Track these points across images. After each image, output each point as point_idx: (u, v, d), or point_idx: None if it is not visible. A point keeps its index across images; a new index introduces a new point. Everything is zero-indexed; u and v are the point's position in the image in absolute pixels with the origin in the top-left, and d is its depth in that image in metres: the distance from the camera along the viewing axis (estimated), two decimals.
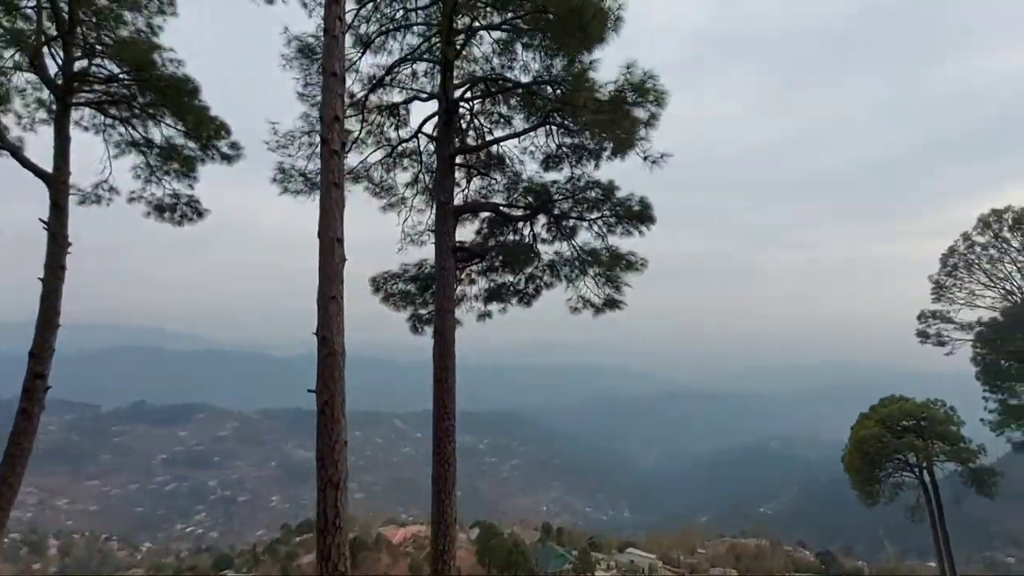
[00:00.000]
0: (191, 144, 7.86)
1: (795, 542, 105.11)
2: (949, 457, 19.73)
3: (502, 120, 7.76)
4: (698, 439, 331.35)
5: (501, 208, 7.81)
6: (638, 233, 8.18)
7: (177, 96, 7.09)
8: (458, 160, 8.69)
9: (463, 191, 8.62)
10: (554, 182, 7.88)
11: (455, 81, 7.19)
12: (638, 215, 8.08)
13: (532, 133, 7.67)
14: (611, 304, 8.17)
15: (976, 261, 15.03)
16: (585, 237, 8.04)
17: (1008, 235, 14.63)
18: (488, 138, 7.74)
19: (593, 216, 8.04)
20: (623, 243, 8.17)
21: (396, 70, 7.51)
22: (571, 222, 7.97)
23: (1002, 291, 15.06)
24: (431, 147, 7.77)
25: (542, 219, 7.97)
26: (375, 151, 7.85)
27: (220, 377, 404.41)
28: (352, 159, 7.87)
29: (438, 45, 7.25)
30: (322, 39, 5.72)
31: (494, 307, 8.20)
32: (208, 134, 7.55)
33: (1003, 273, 14.91)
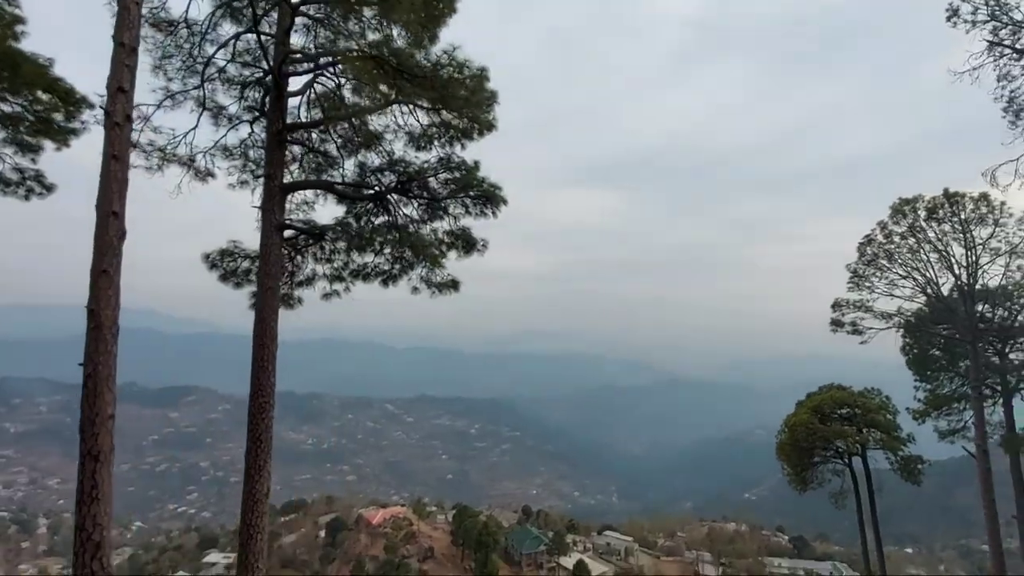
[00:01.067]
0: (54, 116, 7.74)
1: (774, 527, 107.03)
2: (883, 445, 20.03)
3: (335, 97, 7.69)
4: (687, 428, 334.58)
5: (336, 187, 7.76)
6: (491, 215, 8.23)
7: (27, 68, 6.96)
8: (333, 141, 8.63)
9: (341, 170, 8.57)
10: (400, 161, 7.86)
11: (289, 55, 7.13)
12: (490, 197, 8.12)
13: (388, 110, 7.64)
14: (452, 285, 8.22)
15: (895, 251, 15.04)
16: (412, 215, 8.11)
17: (924, 224, 14.63)
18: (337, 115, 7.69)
19: (444, 196, 8.07)
20: (476, 224, 8.25)
21: (225, 44, 7.40)
22: (422, 203, 7.99)
23: (919, 280, 15.09)
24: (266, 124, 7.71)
25: (395, 198, 7.97)
26: (211, 126, 7.78)
27: (214, 360, 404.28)
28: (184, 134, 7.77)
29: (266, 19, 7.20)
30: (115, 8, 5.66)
31: (342, 287, 8.17)
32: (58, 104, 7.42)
33: (920, 263, 14.92)
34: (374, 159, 7.96)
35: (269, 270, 6.92)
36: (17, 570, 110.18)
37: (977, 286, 14.81)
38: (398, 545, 60.79)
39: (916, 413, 19.07)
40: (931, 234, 14.56)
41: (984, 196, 14.00)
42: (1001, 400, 17.71)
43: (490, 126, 8.31)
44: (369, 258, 7.91)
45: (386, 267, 8.23)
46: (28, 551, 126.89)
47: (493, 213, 8.15)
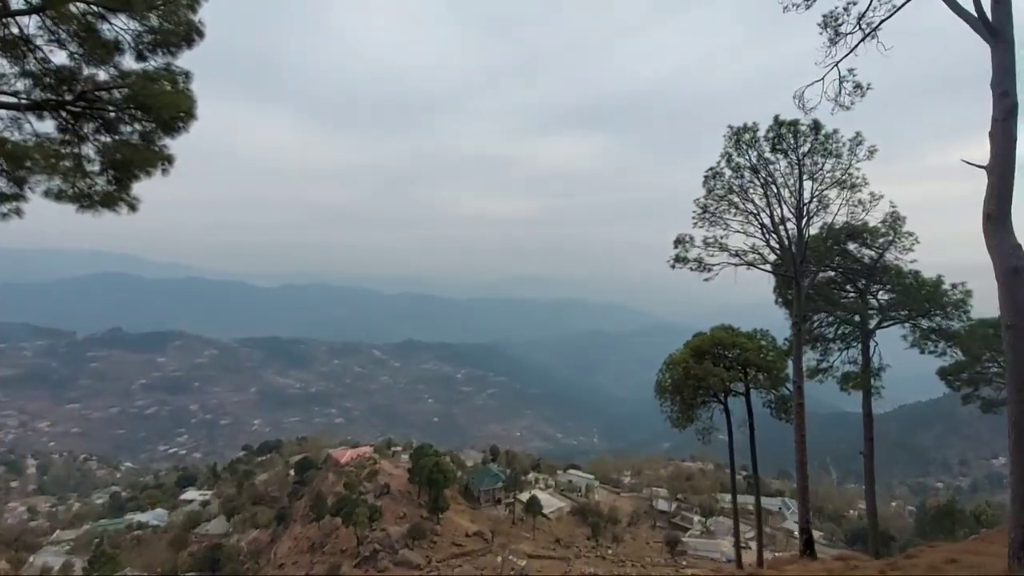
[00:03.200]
0: None
1: (740, 466, 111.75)
2: (758, 385, 20.24)
3: None
4: None
5: None
6: (170, 137, 7.54)
7: None
8: None
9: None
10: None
11: None
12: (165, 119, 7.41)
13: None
14: (109, 202, 7.59)
15: (738, 183, 14.26)
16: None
17: (769, 156, 13.79)
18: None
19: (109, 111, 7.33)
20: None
21: None
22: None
23: (757, 214, 14.40)
24: None
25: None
26: None
27: (199, 306, 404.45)
28: None
29: None
30: None
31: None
32: None
33: (761, 198, 14.17)
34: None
35: None
36: (7, 508, 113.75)
37: (817, 221, 14.39)
38: (359, 483, 62.77)
39: (781, 353, 19.12)
40: (781, 164, 13.82)
41: (816, 125, 13.18)
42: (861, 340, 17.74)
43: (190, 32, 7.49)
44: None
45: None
46: (18, 490, 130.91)
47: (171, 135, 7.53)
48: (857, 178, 13.72)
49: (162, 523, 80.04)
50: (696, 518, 74.60)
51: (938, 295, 17.05)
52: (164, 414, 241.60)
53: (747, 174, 13.83)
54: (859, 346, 18.07)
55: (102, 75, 7.40)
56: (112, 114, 7.25)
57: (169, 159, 8.25)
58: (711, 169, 14.22)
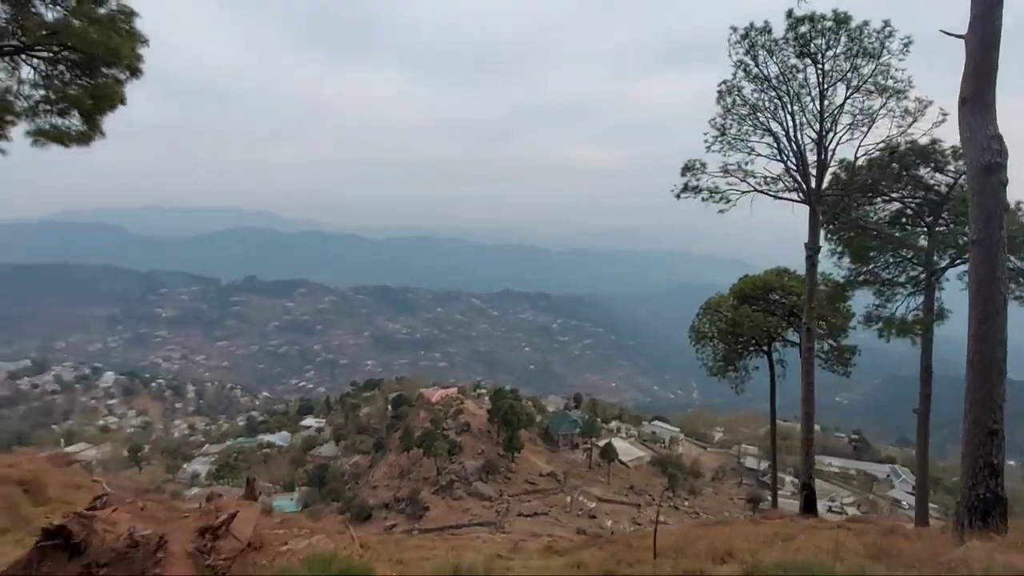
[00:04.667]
0: None
1: (850, 431, 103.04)
2: (818, 334, 17.94)
3: None
4: None
5: None
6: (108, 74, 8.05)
7: None
8: None
9: None
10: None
11: None
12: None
13: None
14: (80, 137, 8.22)
15: (761, 97, 11.98)
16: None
17: (796, 62, 11.30)
18: None
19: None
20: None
21: None
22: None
23: (786, 132, 12.01)
24: None
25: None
26: None
27: (319, 256, 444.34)
28: None
29: None
30: None
31: None
32: None
33: (787, 112, 11.75)
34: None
35: None
36: (173, 424, 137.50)
37: (848, 139, 11.73)
38: (443, 420, 67.10)
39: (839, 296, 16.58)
40: (804, 75, 11.37)
41: (840, 16, 10.44)
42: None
43: None
44: None
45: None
46: (181, 410, 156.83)
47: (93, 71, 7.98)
48: (900, 80, 11.20)
49: (285, 444, 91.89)
50: (789, 479, 70.93)
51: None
52: (294, 352, 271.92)
53: (770, 87, 11.82)
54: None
55: (49, 17, 8.06)
56: (55, 56, 7.95)
57: (122, 96, 8.87)
58: (725, 83, 12.36)
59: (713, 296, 19.62)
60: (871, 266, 15.48)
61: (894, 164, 13.44)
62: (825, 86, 11.68)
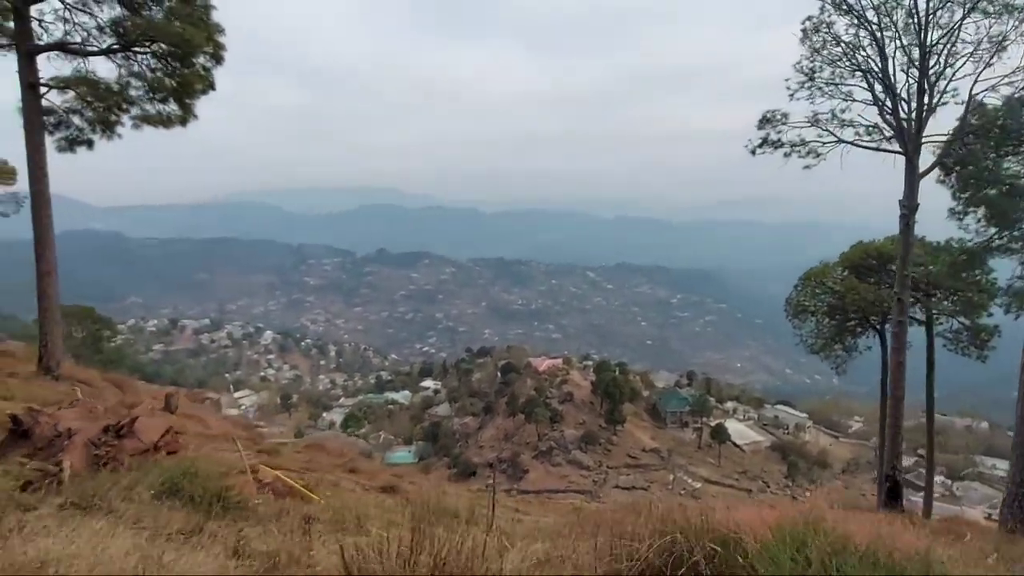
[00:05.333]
0: None
1: (1007, 427, 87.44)
2: (948, 310, 15.09)
3: None
4: None
5: (69, 47, 9.08)
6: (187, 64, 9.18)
7: None
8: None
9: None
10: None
11: None
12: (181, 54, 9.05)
13: None
14: (178, 120, 9.41)
15: (854, 34, 9.73)
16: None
17: None
18: None
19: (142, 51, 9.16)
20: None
21: None
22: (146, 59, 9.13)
23: (869, 72, 9.61)
24: None
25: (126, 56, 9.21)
26: None
27: (441, 230, 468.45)
28: None
29: None
30: None
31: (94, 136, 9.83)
32: None
33: (879, 46, 9.32)
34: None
35: (30, 128, 9.05)
36: (317, 378, 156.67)
37: (961, 76, 9.08)
38: (547, 388, 68.41)
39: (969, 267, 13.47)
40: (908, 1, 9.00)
41: None
42: None
43: None
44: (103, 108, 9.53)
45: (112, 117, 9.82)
46: (324, 367, 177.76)
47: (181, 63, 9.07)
48: None
49: (407, 402, 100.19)
50: (940, 479, 62.11)
51: None
52: (418, 320, 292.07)
53: (864, 20, 9.93)
54: None
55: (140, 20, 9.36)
56: (152, 50, 9.21)
57: (211, 82, 10.08)
58: (810, 19, 10.61)
59: (815, 266, 17.42)
60: (1015, 231, 12.65)
61: None
62: (930, 8, 9.59)
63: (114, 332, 34.84)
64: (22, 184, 16.52)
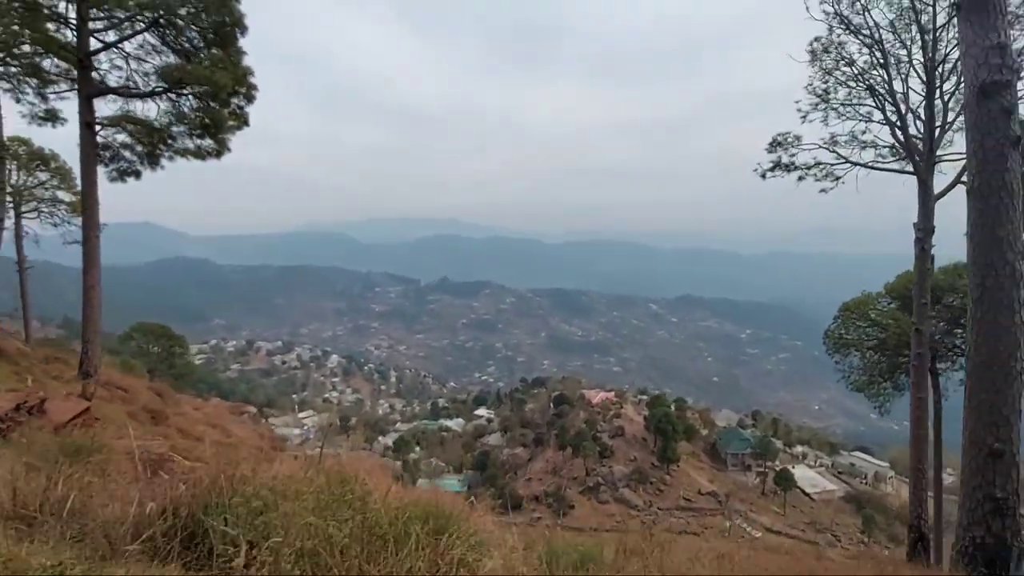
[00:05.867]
0: None
1: None
2: None
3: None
4: None
5: (120, 90, 10.26)
6: (222, 103, 10.17)
7: None
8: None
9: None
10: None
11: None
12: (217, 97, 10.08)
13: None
14: (213, 153, 10.37)
15: (872, 54, 8.93)
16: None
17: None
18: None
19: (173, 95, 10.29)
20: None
21: None
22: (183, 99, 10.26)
23: (878, 89, 8.71)
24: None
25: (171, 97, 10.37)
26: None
27: (501, 260, 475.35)
28: None
29: None
30: None
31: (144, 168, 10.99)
32: None
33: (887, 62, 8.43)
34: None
35: (87, 168, 10.35)
36: (377, 402, 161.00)
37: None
38: (598, 422, 66.64)
39: None
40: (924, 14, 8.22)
41: None
42: None
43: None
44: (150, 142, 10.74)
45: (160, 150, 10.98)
46: (384, 392, 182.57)
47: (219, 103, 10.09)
48: None
49: (460, 429, 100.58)
50: None
51: None
52: (478, 348, 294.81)
53: (871, 39, 9.42)
54: None
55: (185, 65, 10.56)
56: (191, 92, 10.33)
57: (245, 119, 11.12)
58: (818, 40, 10.17)
59: (856, 295, 16.16)
60: None
61: None
62: (938, 24, 8.95)
63: (185, 349, 37.73)
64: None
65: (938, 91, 9.40)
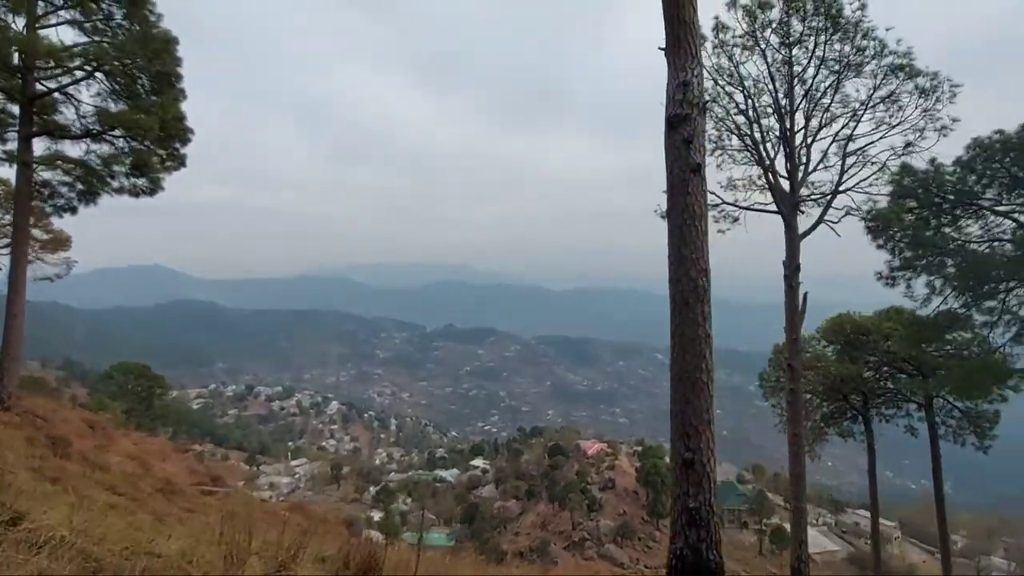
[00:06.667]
0: None
1: None
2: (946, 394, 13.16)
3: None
4: None
5: (55, 132, 11.06)
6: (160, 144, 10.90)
7: None
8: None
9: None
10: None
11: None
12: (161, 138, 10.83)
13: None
14: (147, 191, 11.05)
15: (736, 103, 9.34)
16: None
17: (766, 36, 8.33)
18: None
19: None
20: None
21: None
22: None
23: (745, 132, 9.07)
24: None
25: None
26: None
27: (506, 306, 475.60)
28: None
29: None
30: None
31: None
32: None
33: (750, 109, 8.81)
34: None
35: (20, 208, 11.01)
36: (375, 452, 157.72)
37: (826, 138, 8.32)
38: (589, 474, 64.84)
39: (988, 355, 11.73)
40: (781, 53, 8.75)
41: None
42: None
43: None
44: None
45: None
46: (383, 440, 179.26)
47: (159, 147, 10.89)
48: (900, 53, 8.45)
49: (454, 480, 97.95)
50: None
51: None
52: (482, 396, 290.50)
53: (740, 86, 10.04)
54: None
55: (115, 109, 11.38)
56: (123, 135, 11.13)
57: (182, 160, 11.82)
58: (708, 92, 10.80)
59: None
60: (991, 300, 11.25)
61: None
62: (795, 74, 9.50)
63: (165, 389, 37.84)
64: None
65: (801, 135, 9.94)
